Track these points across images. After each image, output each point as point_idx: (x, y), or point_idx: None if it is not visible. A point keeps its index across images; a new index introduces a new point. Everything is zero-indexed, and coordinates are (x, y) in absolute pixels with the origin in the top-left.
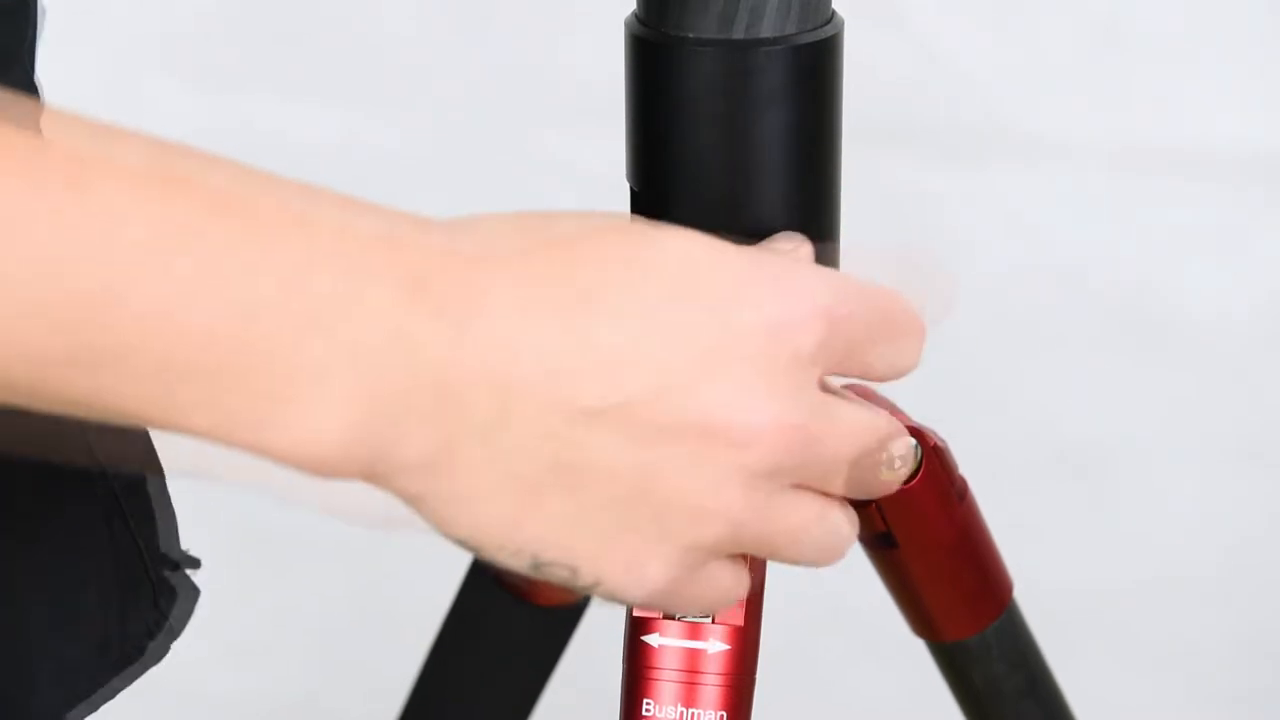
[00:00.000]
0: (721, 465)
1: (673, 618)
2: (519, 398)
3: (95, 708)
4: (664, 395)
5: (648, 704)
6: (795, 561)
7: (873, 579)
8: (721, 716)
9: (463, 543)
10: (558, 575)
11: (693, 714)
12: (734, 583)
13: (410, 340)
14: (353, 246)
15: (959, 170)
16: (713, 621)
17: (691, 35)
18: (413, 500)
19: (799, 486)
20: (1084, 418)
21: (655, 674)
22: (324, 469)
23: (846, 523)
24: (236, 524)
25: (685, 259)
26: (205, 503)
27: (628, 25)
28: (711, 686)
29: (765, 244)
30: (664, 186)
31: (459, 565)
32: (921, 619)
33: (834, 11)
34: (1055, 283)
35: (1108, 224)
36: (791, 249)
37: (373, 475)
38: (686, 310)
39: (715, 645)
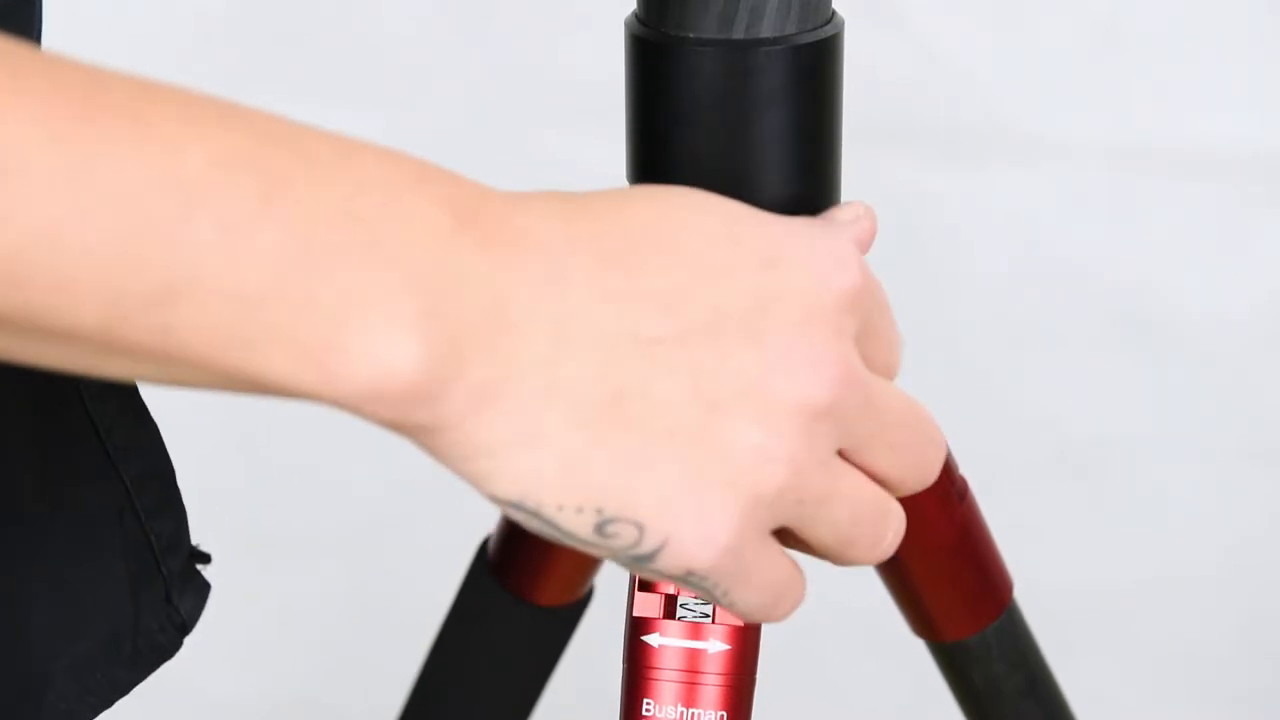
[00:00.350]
0: (782, 401)
1: (756, 630)
2: (577, 328)
3: (108, 704)
4: (721, 328)
5: (648, 704)
6: (846, 544)
7: (873, 579)
8: (721, 716)
9: (519, 503)
10: (624, 538)
11: (693, 714)
12: (791, 576)
13: (461, 267)
14: (396, 178)
15: (959, 170)
16: (713, 621)
17: (691, 35)
18: (470, 456)
19: (853, 463)
20: (1084, 417)
21: (655, 674)
22: (393, 407)
23: (899, 517)
24: (238, 522)
25: (726, 214)
26: (207, 501)
27: (628, 25)
28: (711, 686)
29: (829, 213)
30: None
31: (459, 564)
32: (921, 619)
33: (834, 11)
34: (1055, 283)
35: (1108, 224)
36: (853, 219)
37: (435, 424)
38: (733, 255)
39: (715, 645)
